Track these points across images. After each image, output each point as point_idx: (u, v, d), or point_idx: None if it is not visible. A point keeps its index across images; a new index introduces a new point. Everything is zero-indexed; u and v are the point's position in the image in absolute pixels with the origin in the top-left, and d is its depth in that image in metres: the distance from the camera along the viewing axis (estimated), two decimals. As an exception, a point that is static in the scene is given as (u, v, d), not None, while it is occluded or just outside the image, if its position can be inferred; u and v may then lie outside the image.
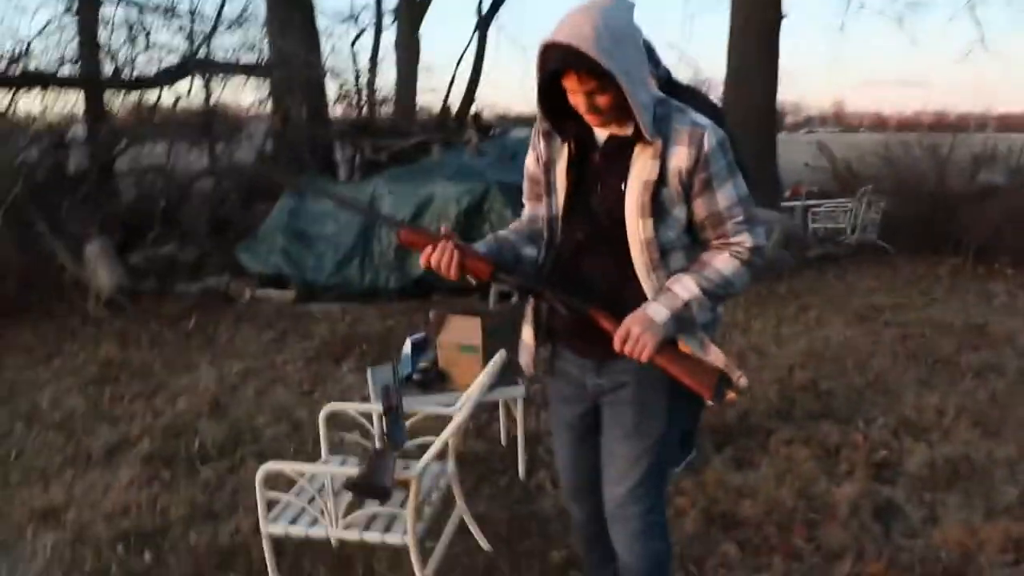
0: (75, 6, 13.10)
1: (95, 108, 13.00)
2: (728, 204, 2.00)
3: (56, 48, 13.45)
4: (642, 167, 1.97)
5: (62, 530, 3.67)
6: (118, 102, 13.59)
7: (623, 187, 2.00)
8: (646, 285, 2.04)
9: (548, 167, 2.14)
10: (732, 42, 13.39)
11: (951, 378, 5.04)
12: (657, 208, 1.98)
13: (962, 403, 4.56)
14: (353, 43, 18.68)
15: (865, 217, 10.01)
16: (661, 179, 1.97)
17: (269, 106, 13.51)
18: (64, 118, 14.26)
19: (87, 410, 5.39)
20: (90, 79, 12.91)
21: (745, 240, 2.03)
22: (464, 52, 18.51)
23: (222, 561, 3.31)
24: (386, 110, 16.13)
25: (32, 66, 13.23)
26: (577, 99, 1.94)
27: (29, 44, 12.97)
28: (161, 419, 5.08)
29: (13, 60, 13.20)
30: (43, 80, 13.50)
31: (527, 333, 2.30)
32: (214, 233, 10.20)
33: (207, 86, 13.23)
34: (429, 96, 17.97)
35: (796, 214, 10.91)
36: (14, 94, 13.35)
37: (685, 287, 1.99)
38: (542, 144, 2.14)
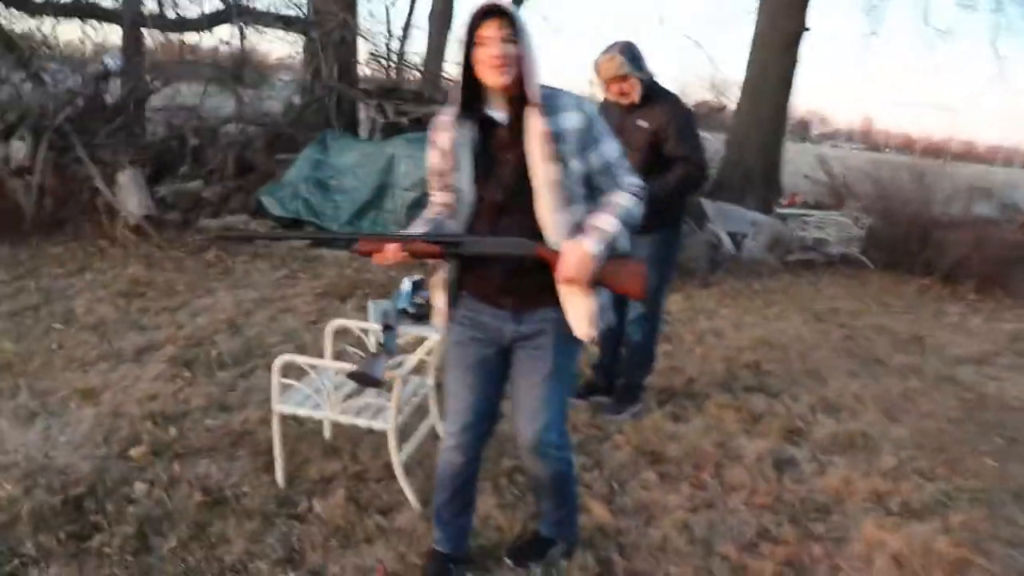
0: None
1: (134, 44, 13.59)
2: (616, 155, 2.50)
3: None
4: (534, 124, 2.38)
5: (100, 406, 4.37)
6: (157, 39, 14.22)
7: (524, 147, 2.41)
8: (559, 220, 2.42)
9: (454, 151, 2.47)
10: (753, 49, 13.87)
11: (875, 373, 5.68)
12: (559, 159, 2.39)
13: (877, 393, 5.21)
14: (388, 8, 19.19)
15: (850, 231, 10.61)
16: (559, 138, 2.38)
17: (301, 59, 14.07)
18: (102, 48, 14.92)
19: (118, 317, 6.07)
20: (133, 15, 13.45)
21: (634, 180, 2.52)
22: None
23: (232, 442, 4.00)
24: (413, 76, 16.67)
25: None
26: (491, 48, 2.31)
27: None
28: (183, 330, 5.76)
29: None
30: (88, 11, 14.11)
31: (439, 299, 2.67)
32: (238, 175, 10.82)
33: (243, 34, 13.80)
34: (456, 68, 18.38)
35: (788, 221, 11.48)
36: (57, 22, 13.98)
37: (608, 222, 2.41)
38: (445, 136, 2.48)
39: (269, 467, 3.65)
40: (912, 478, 3.96)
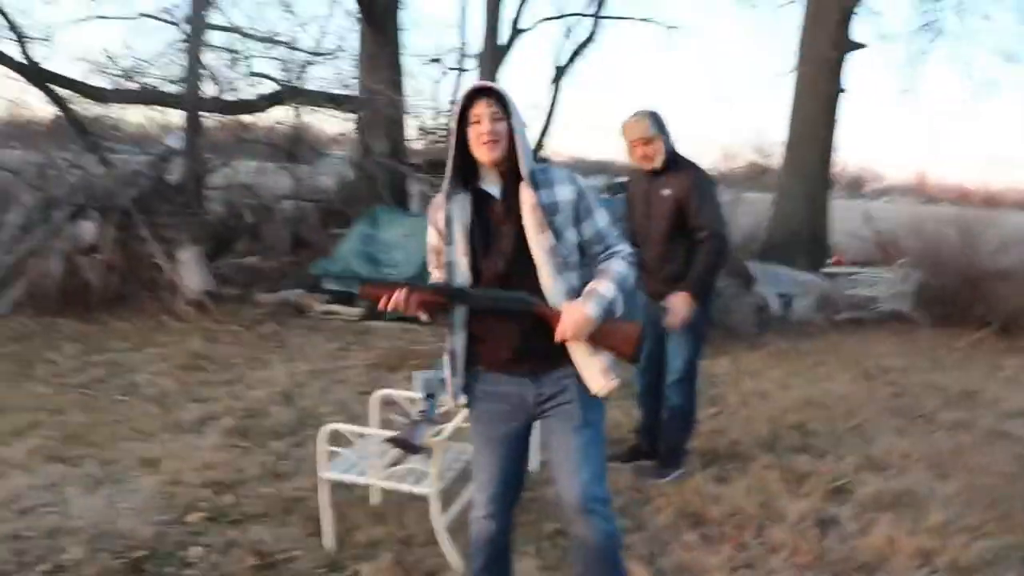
0: (187, 30, 14.35)
1: (194, 126, 14.20)
2: (606, 224, 2.64)
3: (165, 67, 14.71)
4: (527, 197, 2.53)
5: (161, 474, 4.57)
6: (216, 121, 14.83)
7: (520, 219, 2.54)
8: (557, 286, 2.55)
9: (448, 226, 2.61)
10: (793, 111, 14.05)
11: (924, 430, 5.68)
12: (555, 229, 2.54)
13: (925, 450, 5.21)
14: (437, 83, 19.69)
15: (899, 287, 10.59)
16: (553, 209, 2.55)
17: (353, 136, 14.55)
18: (165, 129, 15.60)
19: (178, 389, 6.33)
20: (193, 100, 14.07)
21: (624, 247, 2.66)
22: (541, 102, 19.41)
23: (285, 508, 4.16)
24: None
25: (142, 83, 14.53)
26: (482, 126, 2.51)
27: (150, 64, 14.17)
28: (240, 402, 5.99)
29: (128, 76, 14.51)
30: (152, 98, 14.80)
31: (447, 374, 2.74)
32: (293, 249, 11.18)
33: (297, 113, 14.34)
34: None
35: (837, 280, 11.46)
36: (124, 108, 14.67)
37: (606, 287, 2.55)
38: (441, 214, 2.63)
39: (319, 532, 3.80)
40: (961, 535, 3.95)
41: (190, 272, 9.91)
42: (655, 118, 4.40)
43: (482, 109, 2.50)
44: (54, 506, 4.17)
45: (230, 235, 11.51)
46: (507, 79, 18.94)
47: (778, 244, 12.92)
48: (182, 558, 3.63)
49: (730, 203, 13.31)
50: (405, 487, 3.57)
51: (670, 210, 4.40)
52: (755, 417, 5.82)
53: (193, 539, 3.81)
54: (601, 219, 2.64)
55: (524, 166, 2.53)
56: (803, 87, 13.87)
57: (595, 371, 2.59)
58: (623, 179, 16.86)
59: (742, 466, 4.85)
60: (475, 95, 2.52)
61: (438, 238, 2.63)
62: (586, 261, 2.66)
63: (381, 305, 2.56)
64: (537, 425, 2.80)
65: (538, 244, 2.52)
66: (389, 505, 4.13)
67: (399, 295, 2.53)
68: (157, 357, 7.37)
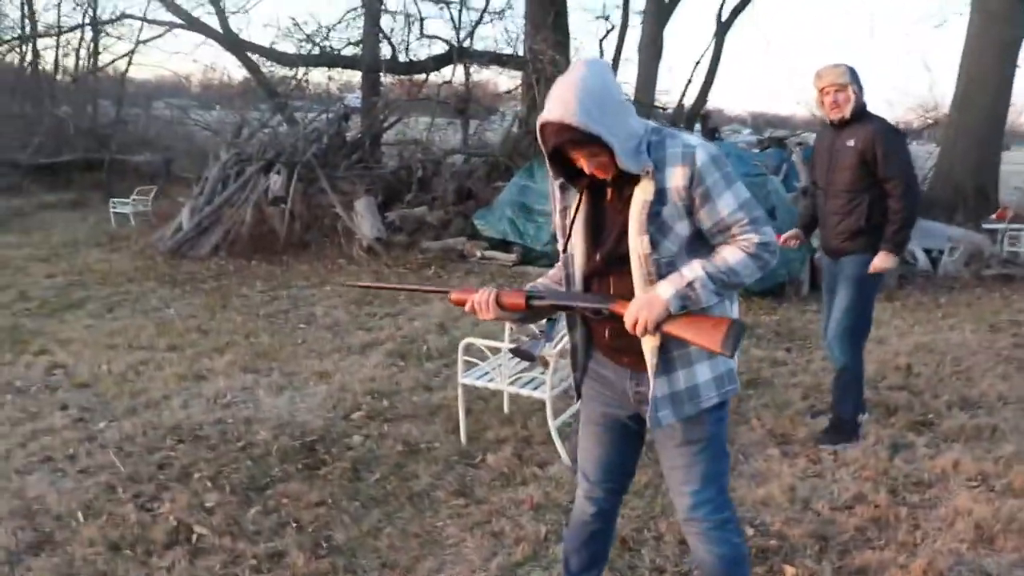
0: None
1: (371, 86, 15.29)
2: (730, 210, 2.21)
3: (345, 31, 15.84)
4: (641, 191, 2.19)
5: (332, 384, 5.48)
6: (391, 81, 15.89)
7: (628, 212, 2.23)
8: (642, 295, 2.25)
9: (564, 213, 2.37)
10: (965, 57, 13.48)
11: (1029, 378, 5.90)
12: (659, 225, 2.20)
13: (1022, 394, 5.46)
14: (601, 40, 20.12)
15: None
16: (660, 199, 2.18)
17: (519, 93, 15.24)
18: (345, 88, 16.82)
19: (349, 320, 7.29)
20: (370, 62, 15.13)
21: (752, 237, 2.22)
22: (702, 56, 19.52)
23: (431, 412, 4.97)
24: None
25: (324, 46, 15.74)
26: (582, 163, 2.20)
27: (329, 30, 15.37)
28: (400, 331, 6.87)
29: (311, 41, 15.73)
30: (332, 61, 16.01)
31: (571, 360, 2.62)
32: (458, 201, 12.05)
33: (467, 72, 15.17)
34: (664, 97, 19.02)
35: (997, 236, 11.30)
36: (308, 71, 15.95)
37: (691, 269, 2.21)
38: (559, 195, 2.38)
39: (456, 430, 4.58)
40: (1024, 464, 4.30)
41: (364, 221, 10.97)
42: (850, 69, 4.35)
43: (574, 153, 2.20)
44: (248, 403, 5.15)
45: (401, 187, 12.49)
46: (672, 36, 19.13)
47: (942, 199, 12.69)
48: (345, 443, 4.49)
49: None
50: (525, 392, 4.31)
51: (853, 161, 4.34)
52: (866, 358, 6.13)
53: (355, 430, 4.68)
54: (726, 204, 2.21)
55: (625, 163, 2.14)
56: (976, 33, 13.35)
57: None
58: (782, 134, 16.92)
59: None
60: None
61: (560, 219, 2.41)
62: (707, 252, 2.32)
63: (467, 308, 2.44)
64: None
65: (636, 247, 2.23)
66: (515, 412, 4.86)
67: (481, 297, 2.40)
68: (332, 294, 8.41)
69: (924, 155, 14.16)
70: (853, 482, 4.05)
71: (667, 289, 2.20)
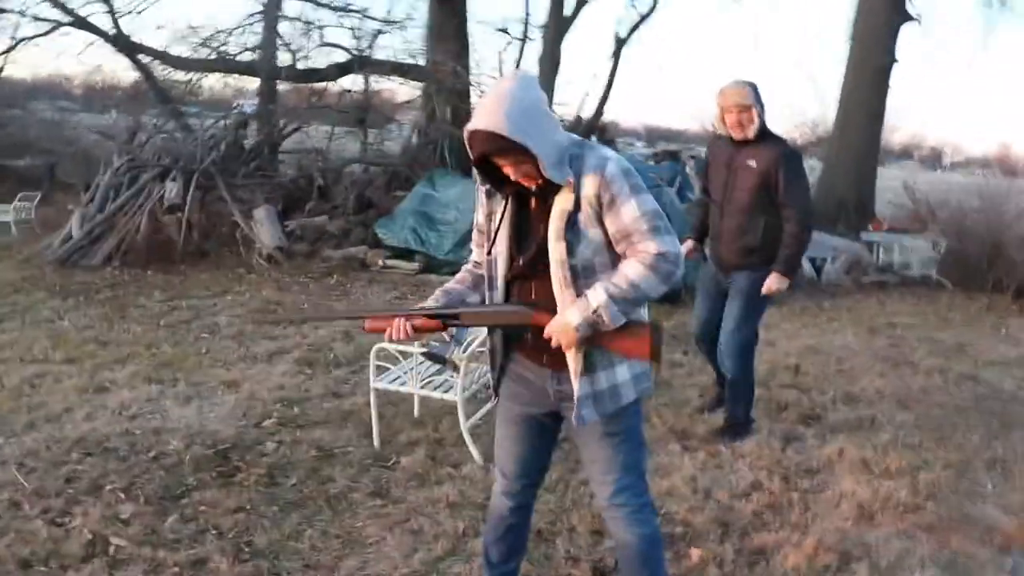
0: (264, 1, 15.20)
1: (269, 93, 15.14)
2: (632, 218, 2.31)
3: (243, 36, 15.61)
4: (562, 200, 2.33)
5: (240, 393, 5.48)
6: (288, 88, 15.75)
7: (548, 220, 2.36)
8: (559, 299, 2.38)
9: (490, 218, 2.50)
10: (845, 81, 14.39)
11: (904, 374, 6.28)
12: (574, 232, 2.34)
13: (898, 388, 5.84)
14: (501, 53, 20.27)
15: (929, 254, 11.09)
16: (576, 206, 2.33)
17: (419, 103, 15.30)
18: (239, 93, 16.56)
19: (253, 329, 7.24)
20: (269, 68, 14.96)
21: (650, 247, 2.31)
22: (599, 71, 19.91)
23: (342, 418, 5.03)
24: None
25: (221, 52, 15.49)
26: (508, 170, 2.32)
27: (228, 35, 15.08)
28: (307, 339, 6.88)
29: (208, 46, 15.46)
30: (230, 66, 15.78)
31: (489, 360, 2.70)
32: (359, 210, 12.05)
33: (367, 81, 15.14)
34: (561, 110, 19.36)
35: (873, 246, 11.93)
36: (203, 76, 15.66)
37: (596, 294, 2.32)
38: (484, 200, 2.50)
39: (368, 434, 4.66)
40: (901, 451, 4.62)
41: (264, 229, 10.88)
42: (753, 88, 4.37)
43: (501, 162, 2.32)
44: (155, 414, 5.10)
45: (300, 196, 12.42)
46: (570, 50, 19.47)
47: (824, 211, 13.29)
48: (259, 450, 4.51)
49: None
50: (436, 394, 4.42)
51: (754, 183, 4.39)
52: (758, 360, 6.42)
53: (267, 437, 4.70)
54: (629, 211, 2.33)
55: (550, 173, 2.27)
56: (855, 58, 14.19)
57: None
58: (674, 148, 17.45)
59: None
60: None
61: (483, 221, 2.55)
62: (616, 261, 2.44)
63: (386, 337, 2.52)
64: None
65: (553, 252, 2.37)
66: (425, 415, 4.97)
67: (398, 324, 2.49)
68: (235, 303, 8.34)
69: (808, 170, 14.79)
70: (750, 471, 4.31)
71: (575, 316, 2.33)
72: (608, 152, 2.39)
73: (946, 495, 4.11)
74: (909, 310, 9.00)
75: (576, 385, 2.44)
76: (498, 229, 2.48)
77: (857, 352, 6.91)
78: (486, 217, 2.52)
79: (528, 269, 2.44)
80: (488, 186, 2.45)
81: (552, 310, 2.40)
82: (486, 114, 2.22)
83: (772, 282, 4.47)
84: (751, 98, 4.35)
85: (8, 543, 3.51)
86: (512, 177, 2.34)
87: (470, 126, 2.25)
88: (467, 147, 2.30)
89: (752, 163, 4.39)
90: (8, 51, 20.49)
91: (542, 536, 3.57)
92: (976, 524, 3.84)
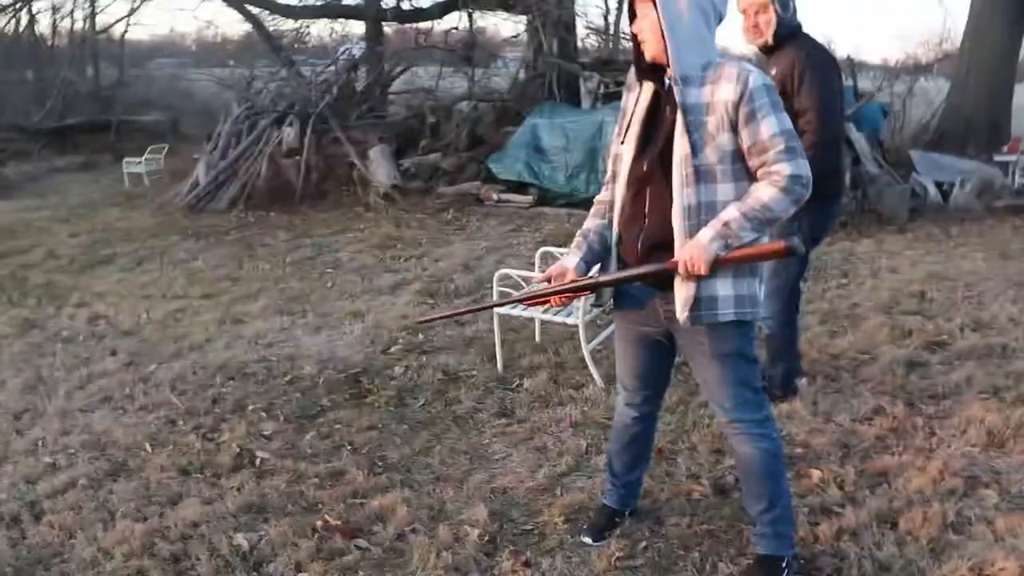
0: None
1: (375, 35, 15.31)
2: (771, 134, 2.32)
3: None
4: (694, 96, 2.37)
5: (366, 322, 5.71)
6: (395, 29, 15.91)
7: (677, 115, 2.37)
8: (678, 198, 2.39)
9: (624, 114, 2.60)
10: None
11: (1038, 300, 6.08)
12: (703, 133, 2.35)
13: (1030, 316, 5.66)
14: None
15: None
16: (703, 109, 2.35)
17: (524, 38, 15.25)
18: (347, 39, 16.81)
19: (375, 263, 7.51)
20: (374, 10, 15.12)
21: (783, 168, 2.32)
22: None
23: (465, 344, 5.21)
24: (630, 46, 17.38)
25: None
26: (643, 23, 2.41)
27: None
28: (427, 271, 7.10)
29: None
30: (337, 11, 16.01)
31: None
32: (470, 147, 12.18)
33: (471, 18, 15.16)
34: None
35: (1010, 168, 11.33)
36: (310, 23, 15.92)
37: (728, 212, 2.36)
38: (626, 96, 2.62)
39: (491, 358, 4.81)
40: (1035, 378, 4.49)
41: (379, 168, 11.13)
42: None
43: (637, 6, 2.43)
44: (288, 342, 5.39)
45: (413, 135, 12.62)
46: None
47: (952, 132, 12.72)
48: (387, 374, 4.73)
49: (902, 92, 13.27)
50: (558, 319, 4.53)
51: None
52: (880, 286, 6.36)
53: (395, 362, 4.92)
54: (768, 127, 2.33)
55: (673, 63, 2.35)
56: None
57: (680, 300, 2.45)
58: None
59: (855, 323, 5.47)
60: None
61: (622, 120, 2.62)
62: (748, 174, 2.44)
63: (552, 304, 2.75)
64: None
65: (677, 148, 2.38)
66: (546, 340, 5.10)
67: (556, 303, 2.74)
68: (355, 240, 8.63)
69: (934, 90, 14.17)
70: (871, 396, 4.25)
71: (706, 233, 2.36)
72: (752, 66, 2.40)
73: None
74: (1044, 235, 8.61)
75: (676, 288, 2.46)
76: (630, 123, 2.56)
77: (988, 278, 6.65)
78: (623, 114, 2.61)
79: (650, 168, 2.48)
80: (632, 79, 2.56)
81: (663, 224, 2.45)
82: None
83: None
84: None
85: (169, 453, 3.87)
86: (642, 32, 2.42)
87: None
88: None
89: (774, 72, 3.67)
90: (130, 14, 21.33)
91: (663, 455, 3.64)
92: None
